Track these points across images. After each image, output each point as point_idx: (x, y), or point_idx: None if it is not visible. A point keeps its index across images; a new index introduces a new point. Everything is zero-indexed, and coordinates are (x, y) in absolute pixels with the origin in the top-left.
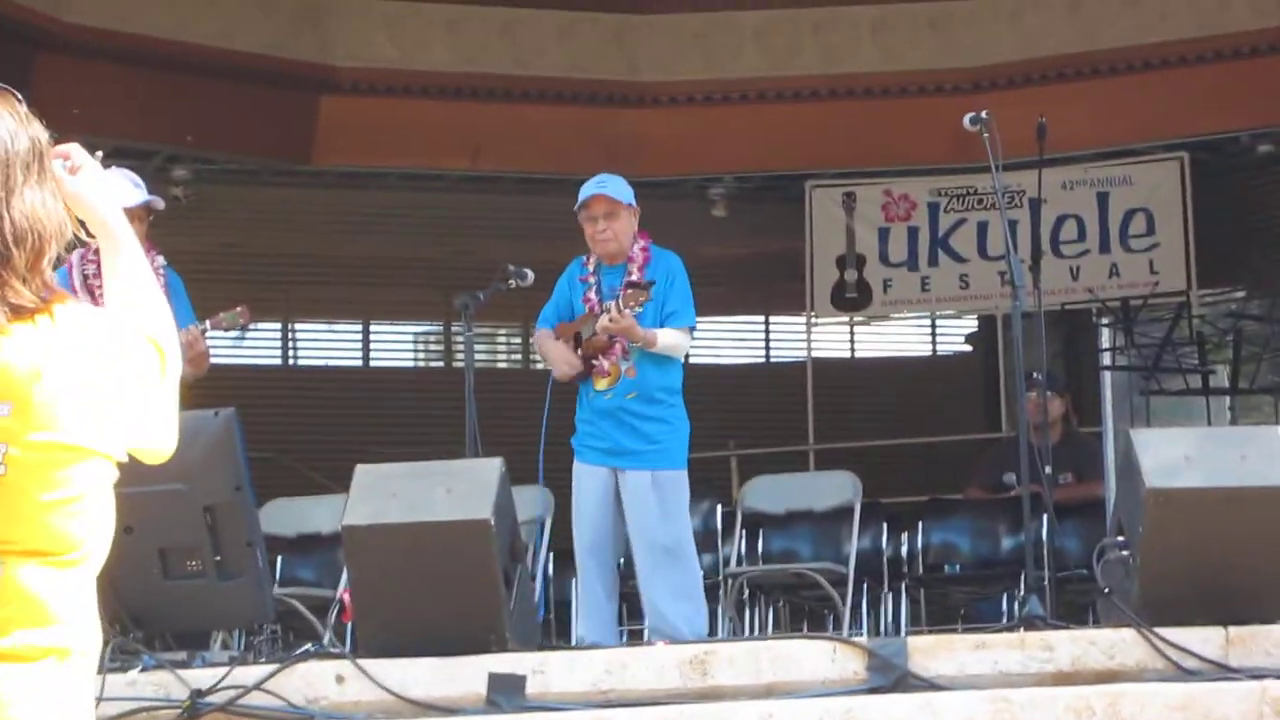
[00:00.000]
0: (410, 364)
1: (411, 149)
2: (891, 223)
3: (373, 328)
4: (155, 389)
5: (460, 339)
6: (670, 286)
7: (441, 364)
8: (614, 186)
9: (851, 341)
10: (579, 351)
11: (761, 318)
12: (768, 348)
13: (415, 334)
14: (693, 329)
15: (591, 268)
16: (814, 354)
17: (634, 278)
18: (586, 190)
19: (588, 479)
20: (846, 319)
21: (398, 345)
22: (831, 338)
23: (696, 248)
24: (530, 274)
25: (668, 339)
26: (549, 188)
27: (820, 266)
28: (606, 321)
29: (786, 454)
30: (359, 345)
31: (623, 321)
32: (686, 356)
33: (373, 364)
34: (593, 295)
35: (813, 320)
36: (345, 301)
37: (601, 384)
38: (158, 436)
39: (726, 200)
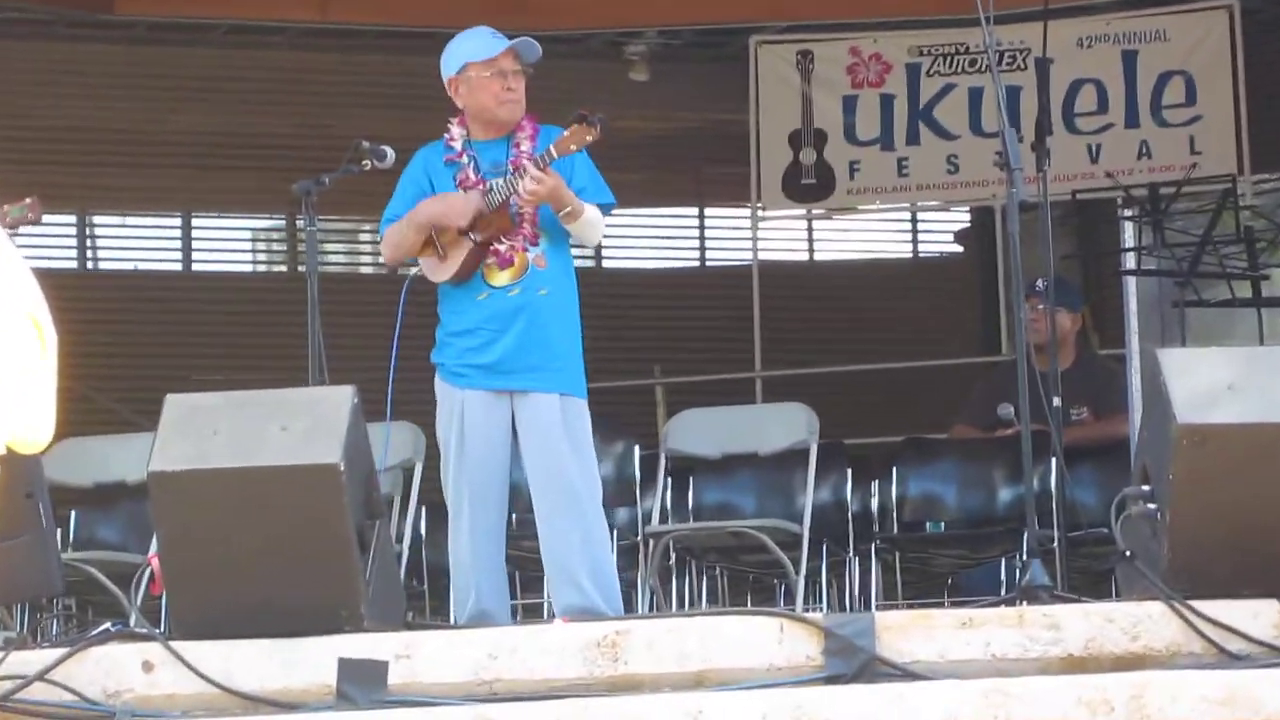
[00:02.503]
0: (243, 268)
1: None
2: (859, 89)
3: (195, 223)
4: (33, 372)
5: (304, 237)
6: (572, 164)
7: (285, 269)
8: (528, 47)
9: (810, 241)
10: (473, 236)
11: (694, 211)
12: (702, 248)
13: (251, 231)
14: (609, 209)
15: (459, 144)
16: (761, 255)
17: (524, 149)
18: (492, 43)
19: (475, 407)
20: (803, 212)
21: (227, 245)
22: (784, 235)
23: (611, 122)
24: (390, 153)
25: (590, 214)
26: (417, 45)
27: (769, 146)
28: (530, 183)
29: (725, 383)
30: (178, 245)
31: (549, 180)
32: (600, 256)
33: (195, 268)
34: (469, 172)
35: (760, 214)
36: (160, 190)
37: (501, 277)
38: (36, 425)
39: (648, 60)
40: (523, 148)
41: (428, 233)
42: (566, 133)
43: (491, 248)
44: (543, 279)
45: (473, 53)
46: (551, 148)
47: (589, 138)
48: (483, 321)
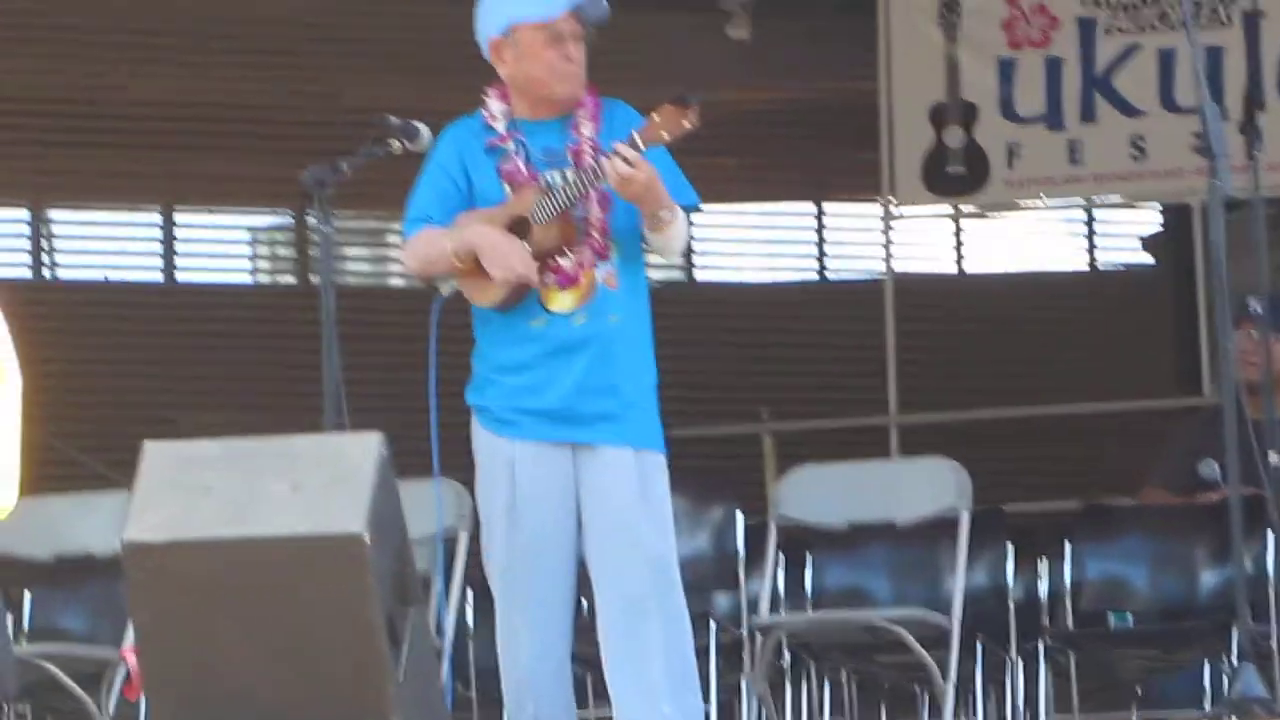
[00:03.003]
0: (240, 279)
1: None
2: (1019, 50)
3: (179, 220)
4: None
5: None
6: (647, 153)
7: (293, 280)
8: (595, 6)
9: (958, 247)
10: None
11: (810, 208)
12: (821, 256)
13: (249, 231)
14: (693, 211)
15: (501, 124)
16: (896, 266)
17: (586, 134)
18: (553, 2)
19: (528, 463)
20: (948, 209)
21: (219, 249)
22: (925, 240)
23: (702, 93)
24: (425, 131)
25: (679, 219)
26: None
27: (904, 123)
28: (622, 165)
29: (852, 431)
30: (157, 247)
31: (644, 169)
32: (690, 267)
33: (180, 278)
34: (518, 163)
35: (893, 212)
36: (133, 177)
37: (563, 300)
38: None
39: (749, 12)
40: (584, 131)
41: (470, 262)
42: (656, 116)
43: (551, 263)
44: (614, 303)
45: (523, 10)
46: (636, 133)
47: (685, 124)
48: (539, 356)
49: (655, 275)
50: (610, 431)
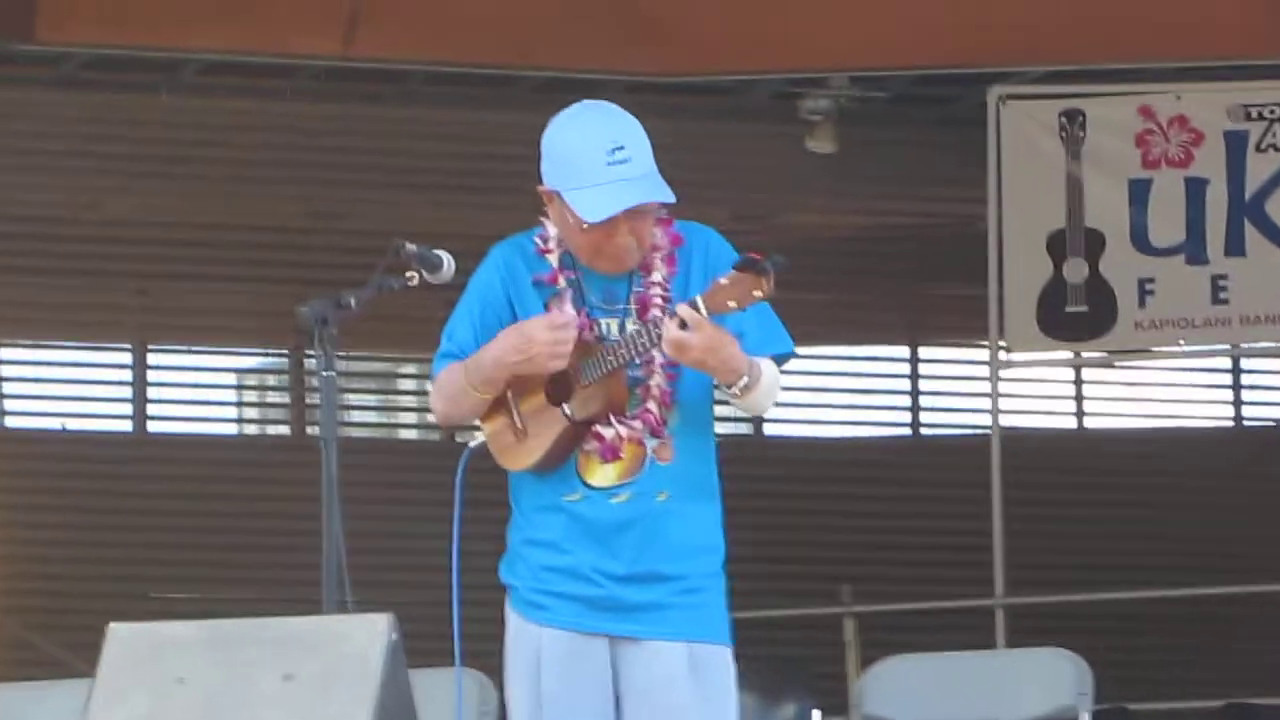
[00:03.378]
0: (225, 430)
1: (224, 19)
2: (1154, 169)
3: (152, 360)
4: None
5: (317, 384)
6: None
7: (287, 430)
8: (653, 183)
9: (1078, 400)
10: (568, 409)
11: (904, 352)
12: (915, 409)
13: (236, 374)
14: (787, 359)
15: (555, 255)
16: (1004, 421)
17: (656, 279)
18: (606, 191)
19: (558, 654)
20: (1068, 356)
21: (201, 394)
22: (1039, 391)
23: (778, 213)
24: (448, 261)
25: (766, 378)
26: (488, 92)
27: (1017, 254)
28: (675, 330)
29: (951, 613)
30: (127, 391)
31: (703, 334)
32: (759, 419)
33: (153, 427)
34: (568, 306)
35: (1004, 358)
36: (101, 308)
37: (604, 474)
38: None
39: (835, 122)
40: (655, 275)
41: (500, 388)
42: (724, 280)
43: (594, 429)
44: (664, 478)
45: (574, 188)
46: (701, 300)
47: (757, 294)
48: (574, 535)
49: (719, 429)
50: (657, 623)
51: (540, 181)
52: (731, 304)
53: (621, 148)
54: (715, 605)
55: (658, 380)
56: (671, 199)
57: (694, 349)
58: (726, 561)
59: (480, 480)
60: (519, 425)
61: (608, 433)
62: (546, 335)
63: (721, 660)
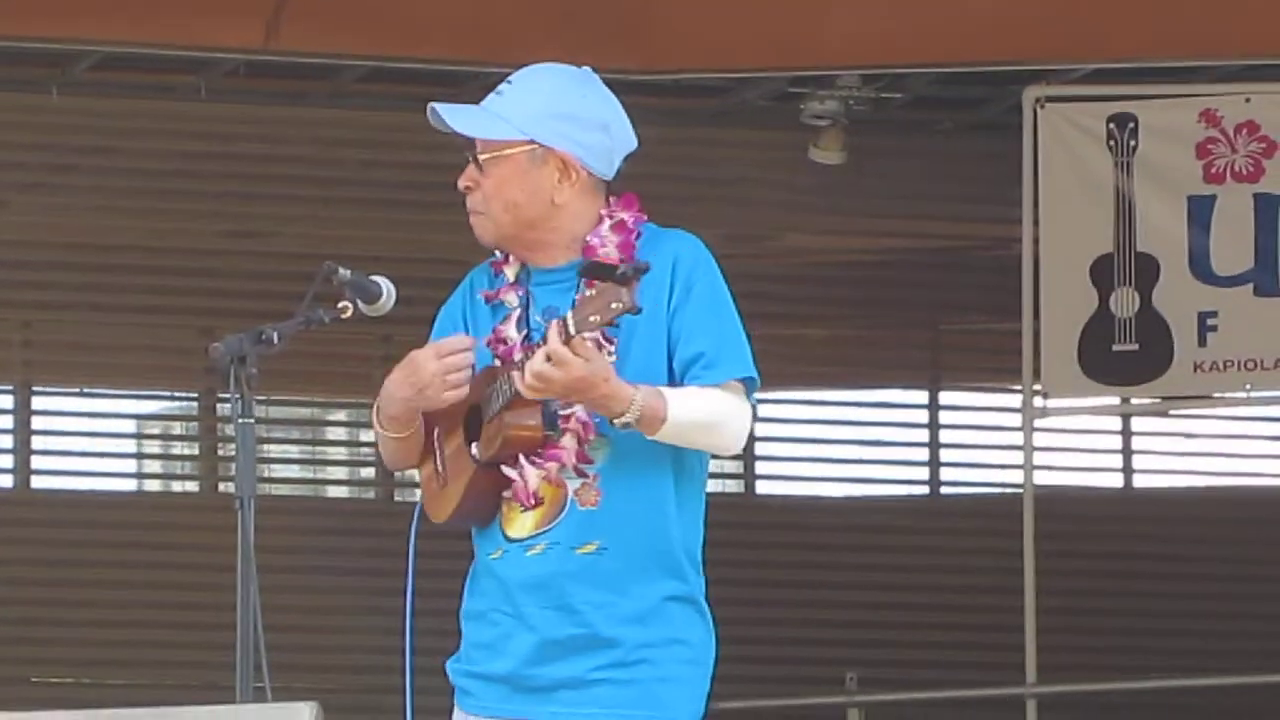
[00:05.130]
0: (122, 485)
1: (124, 4)
2: (1219, 183)
3: (36, 405)
4: None
5: (232, 432)
6: (687, 296)
7: (195, 487)
8: (475, 112)
9: (1126, 453)
10: (475, 451)
11: (923, 396)
12: (935, 463)
13: (135, 421)
14: (752, 386)
15: (511, 273)
16: (1039, 478)
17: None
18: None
19: None
20: (1115, 402)
21: (90, 443)
22: (1081, 444)
23: (777, 234)
24: (387, 288)
25: (695, 410)
26: (435, 92)
27: (1056, 283)
28: (532, 372)
29: (975, 703)
30: (8, 441)
31: (575, 368)
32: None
33: (37, 483)
34: (510, 329)
35: (1039, 404)
36: None
37: (523, 524)
38: None
39: (842, 127)
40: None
41: (410, 426)
42: (589, 292)
43: (512, 474)
44: (591, 527)
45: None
46: (569, 317)
47: (616, 306)
48: (495, 601)
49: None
50: (577, 703)
51: None
52: (595, 319)
53: (510, 84)
54: (662, 681)
55: (578, 411)
56: (476, 134)
57: (554, 383)
58: (708, 640)
59: (431, 547)
60: (440, 470)
61: (514, 474)
62: (434, 365)
63: None
